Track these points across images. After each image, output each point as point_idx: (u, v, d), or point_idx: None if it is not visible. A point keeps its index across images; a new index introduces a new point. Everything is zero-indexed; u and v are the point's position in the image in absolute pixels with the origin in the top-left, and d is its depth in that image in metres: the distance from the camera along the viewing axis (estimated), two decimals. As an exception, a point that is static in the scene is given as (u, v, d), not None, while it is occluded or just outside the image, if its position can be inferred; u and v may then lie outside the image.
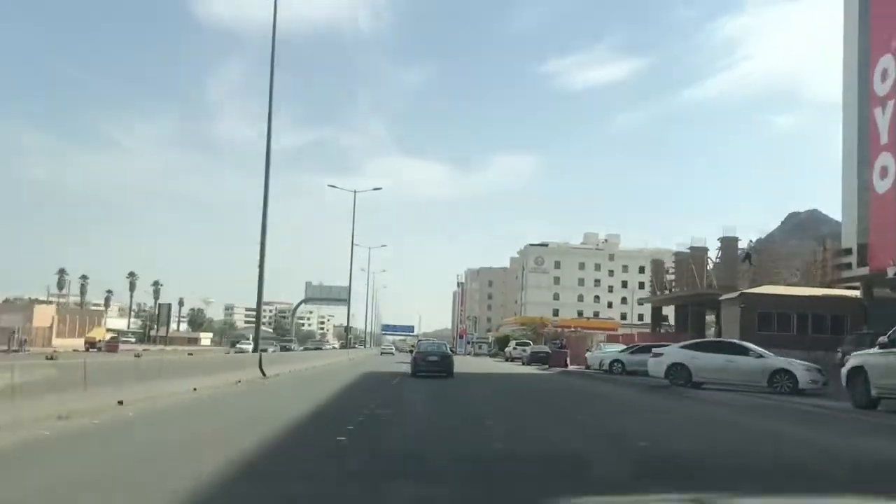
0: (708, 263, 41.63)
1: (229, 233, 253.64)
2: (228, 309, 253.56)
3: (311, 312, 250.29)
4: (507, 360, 54.47)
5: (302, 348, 67.03)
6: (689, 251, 42.40)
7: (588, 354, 34.57)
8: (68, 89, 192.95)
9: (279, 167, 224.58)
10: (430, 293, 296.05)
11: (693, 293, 39.62)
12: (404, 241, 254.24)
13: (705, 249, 42.09)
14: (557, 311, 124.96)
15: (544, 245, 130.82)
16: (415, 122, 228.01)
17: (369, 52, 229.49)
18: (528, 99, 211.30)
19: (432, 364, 24.64)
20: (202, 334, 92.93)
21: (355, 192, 45.60)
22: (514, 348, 54.14)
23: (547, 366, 40.03)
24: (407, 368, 26.40)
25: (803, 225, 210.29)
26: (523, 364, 45.76)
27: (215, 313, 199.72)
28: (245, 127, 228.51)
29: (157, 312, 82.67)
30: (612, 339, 44.01)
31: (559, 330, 64.45)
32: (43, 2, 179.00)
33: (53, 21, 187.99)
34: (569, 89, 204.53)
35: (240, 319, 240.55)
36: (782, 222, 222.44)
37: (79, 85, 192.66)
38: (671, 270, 48.54)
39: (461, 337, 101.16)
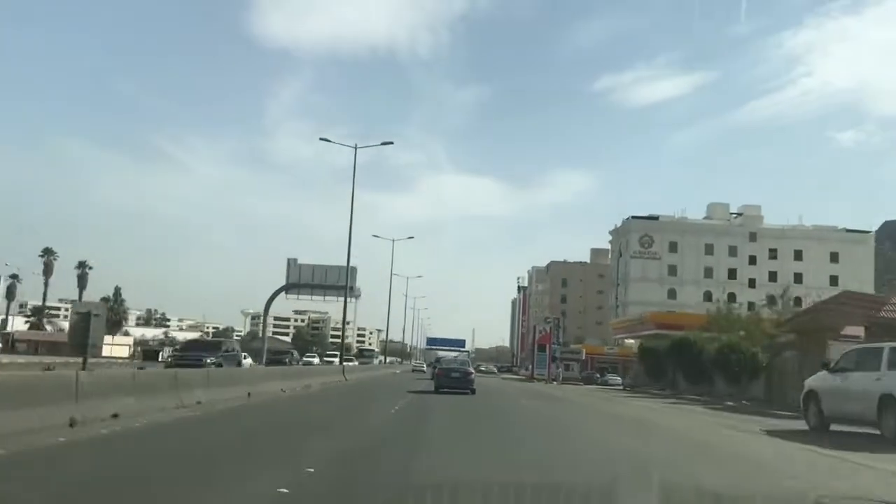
0: None
1: (278, 247, 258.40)
2: (255, 319, 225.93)
3: (349, 323, 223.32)
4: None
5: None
6: None
7: None
8: (131, 110, 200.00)
9: (336, 184, 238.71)
10: (485, 308, 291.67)
11: None
12: (458, 257, 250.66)
13: None
14: (673, 313, 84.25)
15: (653, 219, 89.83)
16: (470, 139, 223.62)
17: (425, 72, 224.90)
18: (584, 116, 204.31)
19: (454, 380, 25.20)
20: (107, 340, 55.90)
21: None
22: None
23: None
24: None
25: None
26: None
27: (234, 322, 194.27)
28: (300, 145, 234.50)
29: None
30: None
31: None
32: (107, 26, 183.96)
33: (118, 44, 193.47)
34: (625, 106, 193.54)
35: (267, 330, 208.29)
36: (876, 230, 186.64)
37: (141, 105, 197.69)
38: None
39: (541, 348, 59.03)
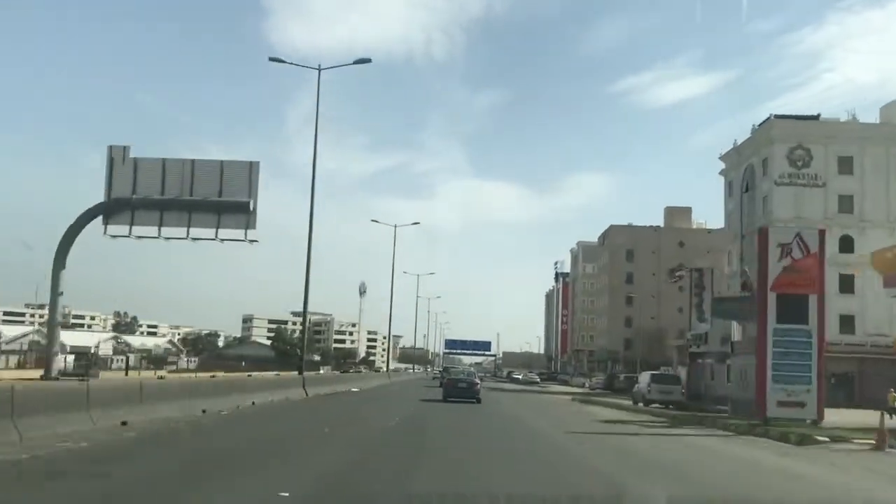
0: None
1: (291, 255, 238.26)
2: (247, 321, 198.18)
3: (353, 325, 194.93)
4: None
5: None
6: None
7: None
8: (149, 119, 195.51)
9: (355, 192, 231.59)
10: (510, 312, 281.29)
11: None
12: (480, 261, 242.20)
13: None
14: (851, 278, 49.11)
15: (811, 118, 54.11)
16: (489, 144, 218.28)
17: (443, 77, 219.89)
18: (604, 118, 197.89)
19: (462, 390, 27.62)
20: None
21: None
22: None
23: None
24: None
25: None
26: None
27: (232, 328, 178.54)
28: (319, 153, 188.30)
29: None
30: None
31: None
32: (123, 35, 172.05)
33: (135, 53, 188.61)
34: (645, 107, 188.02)
35: (260, 334, 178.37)
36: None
37: (159, 114, 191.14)
38: None
39: (786, 313, 19.62)
